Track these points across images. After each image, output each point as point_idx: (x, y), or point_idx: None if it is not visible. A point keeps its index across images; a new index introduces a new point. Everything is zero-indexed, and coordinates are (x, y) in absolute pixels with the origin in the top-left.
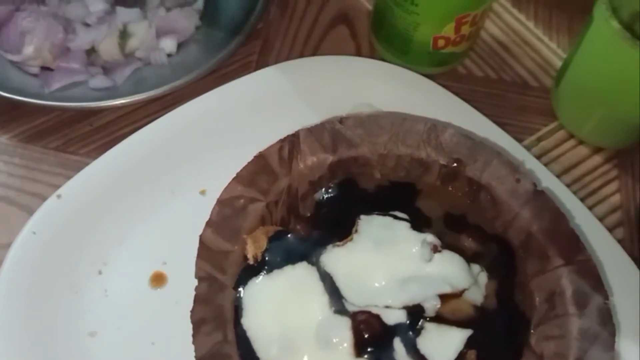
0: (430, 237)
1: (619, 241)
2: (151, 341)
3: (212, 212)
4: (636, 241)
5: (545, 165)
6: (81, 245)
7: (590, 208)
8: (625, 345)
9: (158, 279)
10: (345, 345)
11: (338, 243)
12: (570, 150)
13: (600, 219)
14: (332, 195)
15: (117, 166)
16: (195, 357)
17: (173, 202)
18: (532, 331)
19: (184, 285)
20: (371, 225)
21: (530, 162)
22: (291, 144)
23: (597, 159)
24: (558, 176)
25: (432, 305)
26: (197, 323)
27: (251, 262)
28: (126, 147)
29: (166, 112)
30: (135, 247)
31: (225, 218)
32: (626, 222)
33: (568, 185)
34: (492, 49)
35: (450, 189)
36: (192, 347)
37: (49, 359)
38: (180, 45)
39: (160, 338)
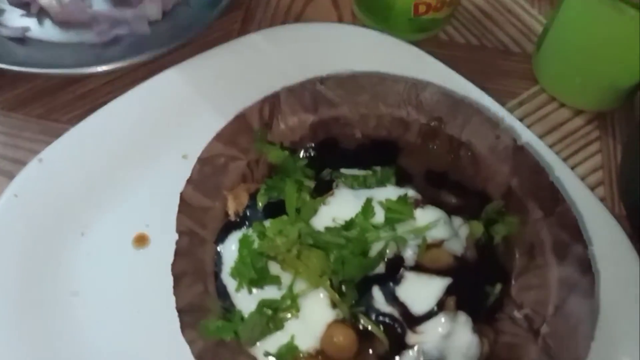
0: (411, 192)
1: (601, 200)
2: (133, 299)
3: (192, 170)
4: (617, 199)
5: (528, 127)
6: (63, 208)
7: (572, 168)
8: (604, 294)
9: (141, 240)
10: (322, 293)
11: (319, 198)
12: (552, 112)
13: (582, 179)
14: (313, 154)
15: (99, 130)
16: (176, 307)
17: (156, 166)
18: (512, 282)
19: (167, 246)
20: (351, 180)
21: (512, 124)
22: (272, 104)
23: (578, 121)
24: (540, 137)
25: (411, 255)
26: (178, 275)
27: (232, 217)
28: (108, 111)
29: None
30: (118, 210)
31: (206, 176)
32: (607, 181)
33: (550, 146)
34: (474, 15)
35: (431, 147)
36: (173, 305)
37: (31, 317)
38: (164, 14)
39: (143, 296)
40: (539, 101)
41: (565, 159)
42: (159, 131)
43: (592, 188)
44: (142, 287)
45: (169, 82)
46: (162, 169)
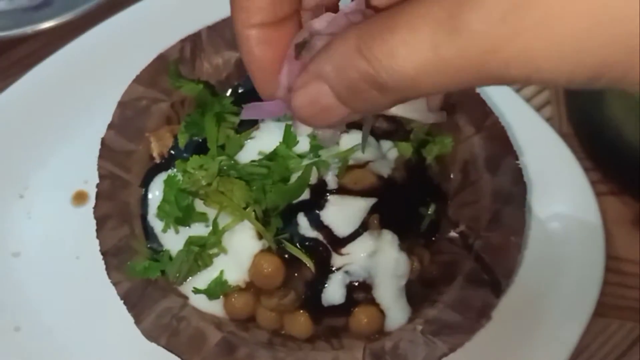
0: None
1: (548, 119)
2: (75, 256)
3: (113, 114)
4: (564, 117)
5: None
6: (1, 170)
7: (517, 91)
8: (553, 214)
9: (80, 197)
10: (247, 225)
11: (244, 133)
12: None
13: (528, 100)
14: (241, 91)
15: (31, 91)
16: (100, 250)
17: (92, 121)
18: (449, 202)
19: None
20: None
21: None
22: (193, 43)
23: None
24: None
25: (332, 178)
26: (101, 218)
27: (157, 160)
28: (41, 71)
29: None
30: (56, 168)
31: (128, 119)
32: (554, 100)
33: None
34: None
35: None
36: None
37: None
38: None
39: (84, 252)
40: None
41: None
42: (93, 87)
43: (539, 108)
44: (84, 244)
45: (99, 36)
46: (98, 125)
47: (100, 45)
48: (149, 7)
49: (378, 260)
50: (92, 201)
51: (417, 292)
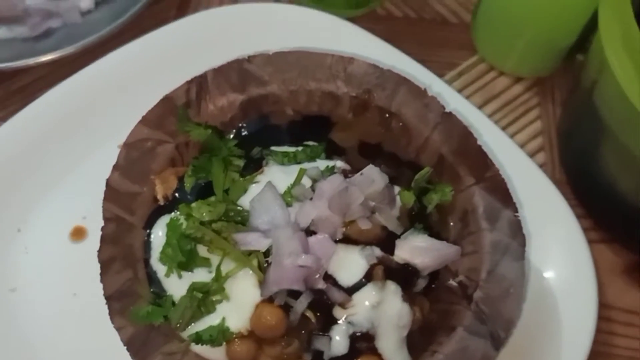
0: (339, 163)
1: (541, 166)
2: (73, 292)
3: (119, 155)
4: (557, 164)
5: (467, 97)
6: None
7: (511, 136)
8: (546, 257)
9: (78, 233)
10: (250, 273)
11: (249, 177)
12: (491, 81)
13: (522, 146)
14: (245, 133)
15: (32, 125)
16: (104, 295)
17: (91, 157)
18: None
19: None
20: (281, 157)
21: (450, 96)
22: (199, 85)
23: (517, 88)
24: (479, 107)
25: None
26: (106, 262)
27: (161, 202)
28: (40, 105)
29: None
30: (55, 203)
31: (133, 161)
32: (547, 146)
33: (489, 116)
34: None
35: (362, 119)
36: None
37: None
38: (97, 4)
39: (82, 289)
40: (478, 71)
41: (504, 128)
42: (93, 122)
43: (533, 154)
44: (81, 281)
45: (99, 71)
46: (98, 160)
47: (100, 80)
48: (149, 43)
49: (381, 311)
50: (90, 237)
51: (417, 342)
